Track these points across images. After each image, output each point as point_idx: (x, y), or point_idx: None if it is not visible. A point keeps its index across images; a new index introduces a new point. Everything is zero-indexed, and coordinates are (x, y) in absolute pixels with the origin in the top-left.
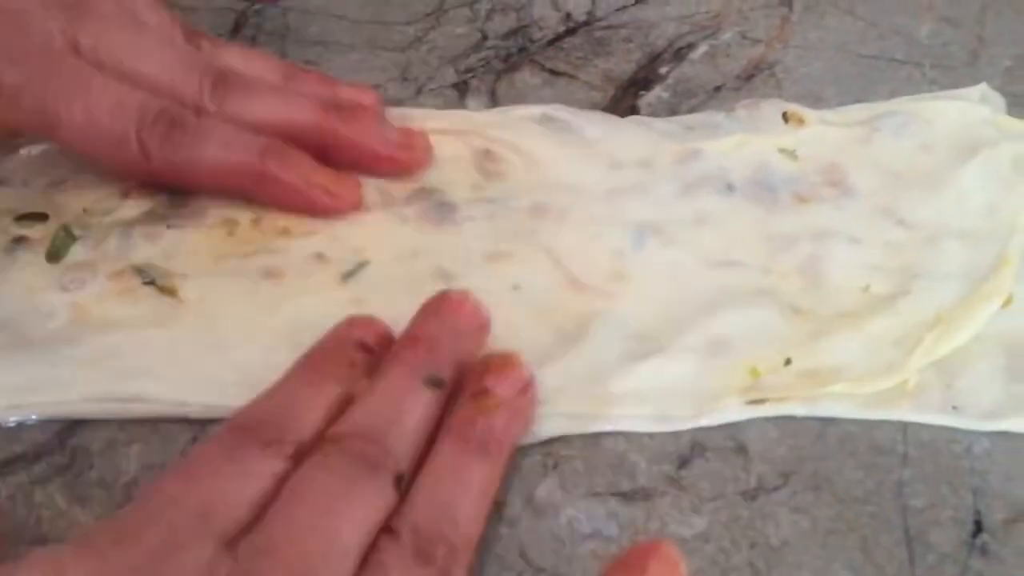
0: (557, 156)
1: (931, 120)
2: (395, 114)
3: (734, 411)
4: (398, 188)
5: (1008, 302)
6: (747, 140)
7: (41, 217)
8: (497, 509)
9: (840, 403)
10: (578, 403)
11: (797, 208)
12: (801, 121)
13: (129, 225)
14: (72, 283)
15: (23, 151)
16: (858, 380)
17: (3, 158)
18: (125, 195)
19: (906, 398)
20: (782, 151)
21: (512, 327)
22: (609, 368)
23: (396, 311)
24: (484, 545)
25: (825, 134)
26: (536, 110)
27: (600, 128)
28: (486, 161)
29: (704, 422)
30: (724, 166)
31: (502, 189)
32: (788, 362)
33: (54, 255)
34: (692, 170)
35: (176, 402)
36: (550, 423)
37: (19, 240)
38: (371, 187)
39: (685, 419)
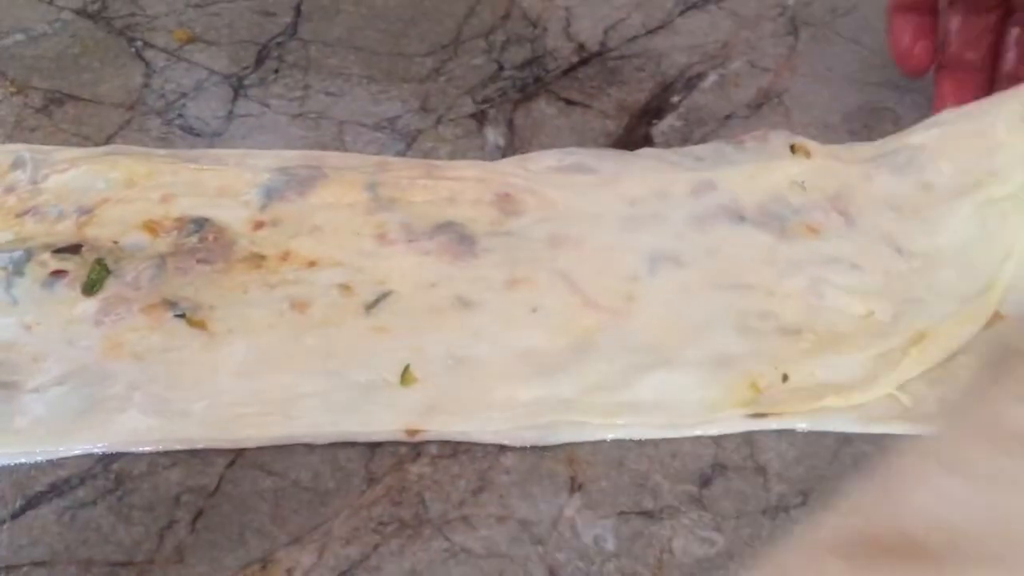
0: (574, 194)
1: (934, 156)
2: (417, 162)
3: (737, 423)
4: (421, 223)
5: (995, 320)
6: (758, 171)
7: (75, 249)
8: (525, 527)
9: (839, 418)
10: (588, 412)
11: (804, 236)
12: (808, 153)
13: (162, 258)
14: (107, 317)
15: (52, 179)
16: (846, 393)
17: (33, 186)
18: (151, 230)
19: (904, 412)
20: (792, 183)
21: (530, 344)
22: (617, 379)
23: (418, 339)
24: (514, 563)
25: (830, 167)
26: (553, 159)
27: (615, 164)
28: (505, 203)
29: (712, 431)
30: (737, 196)
31: (520, 224)
32: (785, 378)
33: (89, 288)
34: (706, 200)
35: (208, 439)
36: (564, 431)
37: (57, 274)
38: (395, 223)
39: (690, 427)
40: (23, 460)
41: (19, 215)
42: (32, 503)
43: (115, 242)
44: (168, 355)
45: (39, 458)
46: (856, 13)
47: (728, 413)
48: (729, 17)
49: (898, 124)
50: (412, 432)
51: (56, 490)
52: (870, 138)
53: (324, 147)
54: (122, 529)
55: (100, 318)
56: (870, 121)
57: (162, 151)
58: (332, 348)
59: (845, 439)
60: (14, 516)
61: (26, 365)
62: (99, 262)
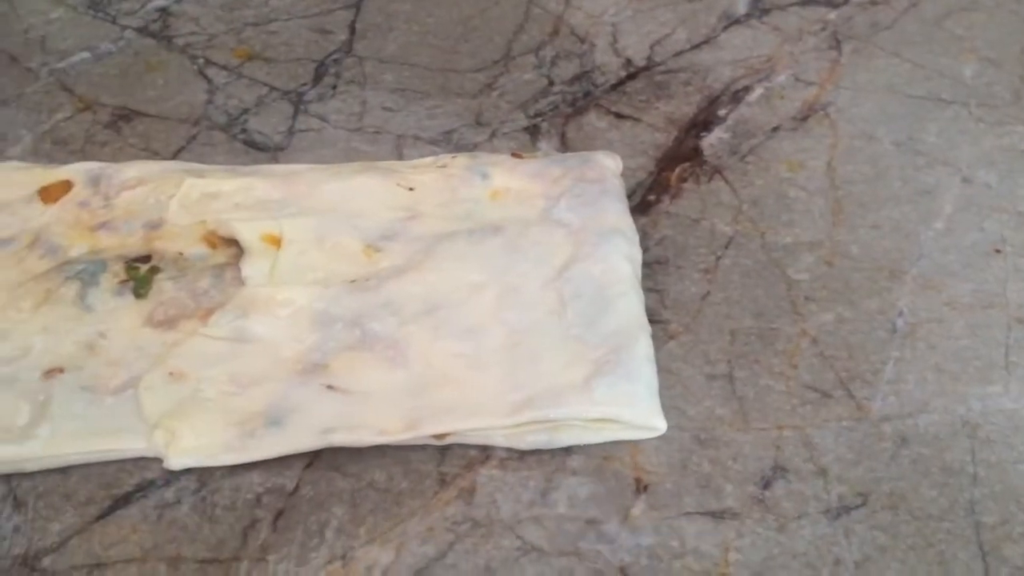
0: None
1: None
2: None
3: None
4: None
5: None
6: None
7: (145, 260)
8: (594, 527)
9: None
10: None
11: None
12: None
13: (221, 268)
14: (166, 321)
15: (122, 196)
16: None
17: (104, 203)
18: (210, 243)
19: None
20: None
21: None
22: None
23: None
24: (584, 561)
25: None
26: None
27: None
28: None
29: None
30: None
31: None
32: None
33: (137, 291)
34: None
35: (286, 447)
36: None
37: (125, 282)
38: None
39: None
40: (110, 460)
41: (92, 229)
42: (120, 503)
43: (180, 253)
44: (218, 365)
45: (124, 458)
46: (897, 27)
47: None
48: (772, 32)
49: (940, 136)
50: (439, 437)
51: (142, 490)
52: (914, 149)
53: (383, 160)
54: (207, 528)
55: (158, 320)
56: (914, 133)
57: (221, 167)
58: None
59: (903, 441)
60: (103, 515)
61: (104, 369)
62: (152, 268)
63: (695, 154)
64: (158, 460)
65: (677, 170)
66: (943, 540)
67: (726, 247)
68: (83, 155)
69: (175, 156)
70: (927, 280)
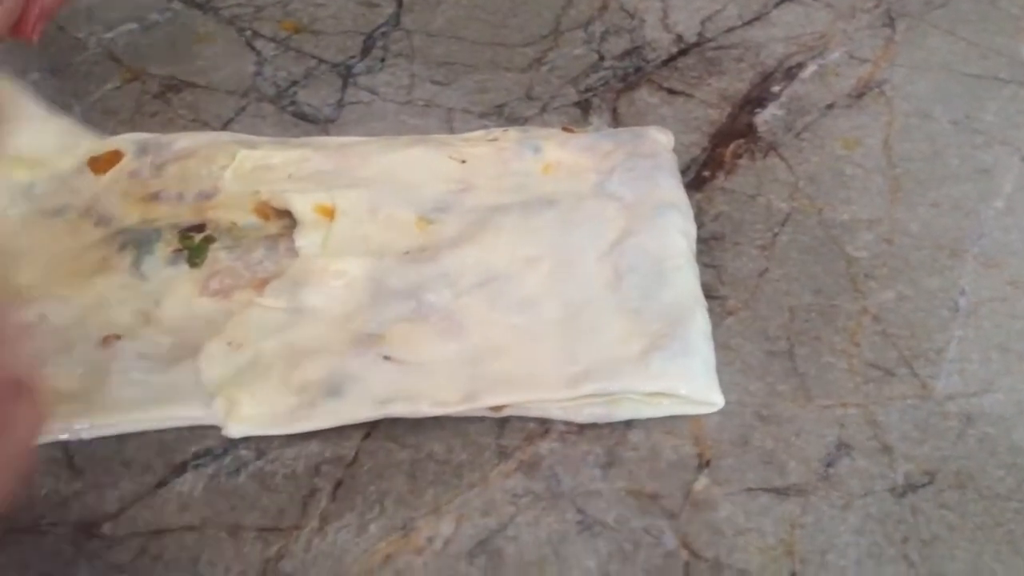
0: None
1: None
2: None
3: None
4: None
5: None
6: None
7: (200, 229)
8: (656, 502)
9: None
10: None
11: None
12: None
13: (275, 239)
14: (220, 291)
15: (173, 166)
16: None
17: (155, 173)
18: (263, 214)
19: None
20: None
21: None
22: None
23: None
24: (647, 535)
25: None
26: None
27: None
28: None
29: None
30: None
31: None
32: None
33: (192, 260)
34: None
35: (345, 416)
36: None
37: (179, 251)
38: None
39: None
40: (167, 428)
41: (144, 199)
42: (178, 471)
43: (233, 223)
44: (273, 335)
45: (182, 426)
46: (951, 5)
47: None
48: (824, 9)
49: (998, 115)
50: (496, 408)
51: (200, 458)
52: (972, 128)
53: (434, 133)
54: (266, 497)
55: (213, 290)
56: (970, 111)
57: (272, 139)
58: None
59: (968, 420)
60: (161, 483)
61: (160, 337)
62: (206, 237)
63: (749, 130)
64: (216, 428)
65: (731, 146)
66: (1012, 519)
67: (783, 224)
68: (132, 125)
69: (225, 127)
70: (989, 259)
